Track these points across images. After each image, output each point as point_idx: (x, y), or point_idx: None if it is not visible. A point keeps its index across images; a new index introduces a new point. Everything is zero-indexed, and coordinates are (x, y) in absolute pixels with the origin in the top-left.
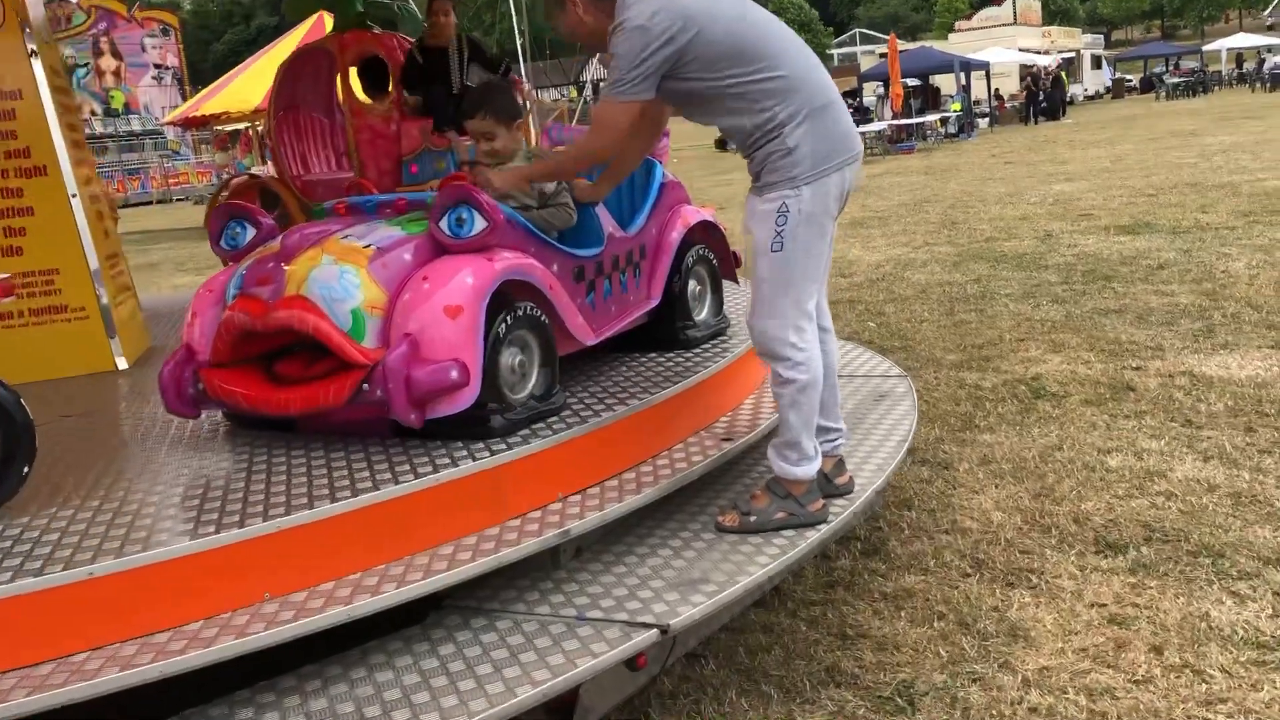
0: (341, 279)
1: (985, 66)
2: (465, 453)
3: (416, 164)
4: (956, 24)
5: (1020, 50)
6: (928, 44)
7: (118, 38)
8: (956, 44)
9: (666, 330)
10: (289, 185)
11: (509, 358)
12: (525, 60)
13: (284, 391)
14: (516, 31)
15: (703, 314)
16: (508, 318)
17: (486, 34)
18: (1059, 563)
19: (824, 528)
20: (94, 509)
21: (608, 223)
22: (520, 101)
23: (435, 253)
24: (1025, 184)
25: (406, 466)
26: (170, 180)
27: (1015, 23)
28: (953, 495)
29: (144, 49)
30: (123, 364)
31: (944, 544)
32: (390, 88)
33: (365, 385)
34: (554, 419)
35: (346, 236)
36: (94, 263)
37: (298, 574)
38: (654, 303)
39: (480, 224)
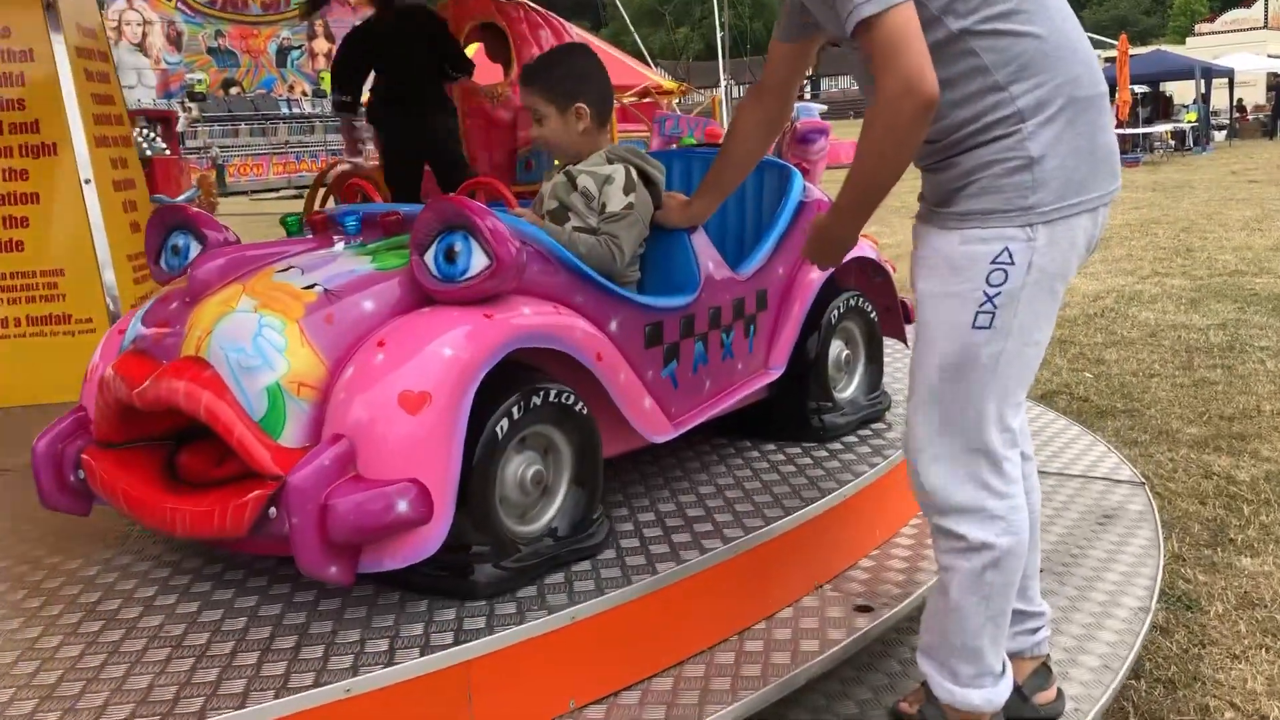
0: (258, 338)
1: (1229, 73)
2: (419, 633)
3: (534, 159)
4: (1196, 26)
5: (1270, 57)
6: (1162, 48)
7: (331, 21)
8: (1195, 48)
9: (792, 412)
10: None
11: (517, 470)
12: (724, 56)
13: (172, 499)
14: (717, 25)
15: (849, 389)
16: (518, 408)
17: (694, 28)
18: None
19: None
20: None
21: (707, 258)
22: (594, 77)
23: (413, 302)
24: (1276, 206)
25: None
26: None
27: (1266, 26)
28: (1200, 658)
29: None
30: None
31: None
32: (511, 65)
33: (274, 509)
34: (583, 563)
35: (287, 269)
36: (107, 265)
37: None
38: (775, 373)
39: (479, 261)
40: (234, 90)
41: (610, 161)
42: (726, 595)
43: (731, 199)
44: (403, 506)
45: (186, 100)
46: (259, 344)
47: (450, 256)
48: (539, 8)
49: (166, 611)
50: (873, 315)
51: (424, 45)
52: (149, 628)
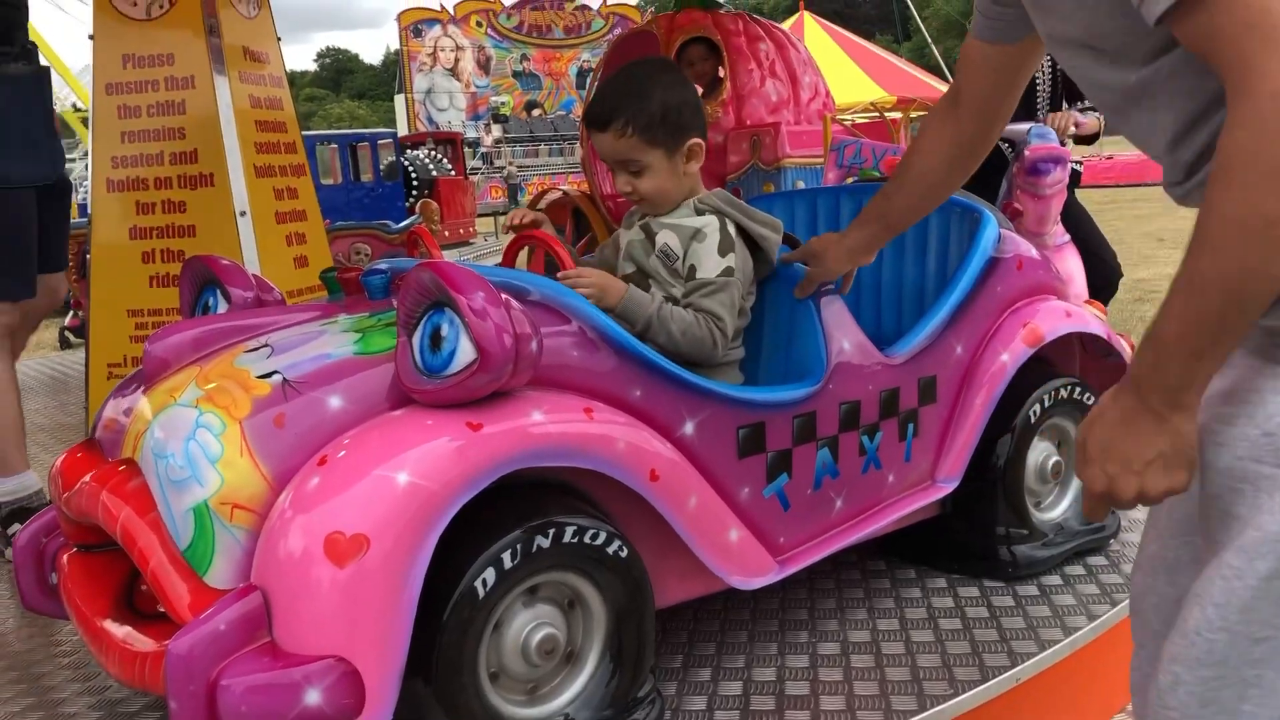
0: (190, 441)
1: None
2: None
3: (741, 185)
4: None
5: None
6: None
7: None
8: None
9: (972, 537)
10: (598, 205)
11: (518, 637)
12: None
13: (109, 629)
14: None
15: (1058, 510)
16: (513, 552)
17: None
18: None
19: None
20: None
21: (842, 334)
22: (694, 97)
23: (396, 400)
24: None
25: None
26: None
27: None
28: None
29: None
30: None
31: None
32: (723, 82)
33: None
34: None
35: (257, 349)
36: None
37: None
38: (945, 489)
39: (465, 352)
40: (535, 112)
41: (700, 213)
42: None
43: (900, 250)
44: (313, 696)
45: (491, 122)
46: (190, 450)
47: (436, 342)
48: (761, 18)
49: None
50: None
51: None
52: None
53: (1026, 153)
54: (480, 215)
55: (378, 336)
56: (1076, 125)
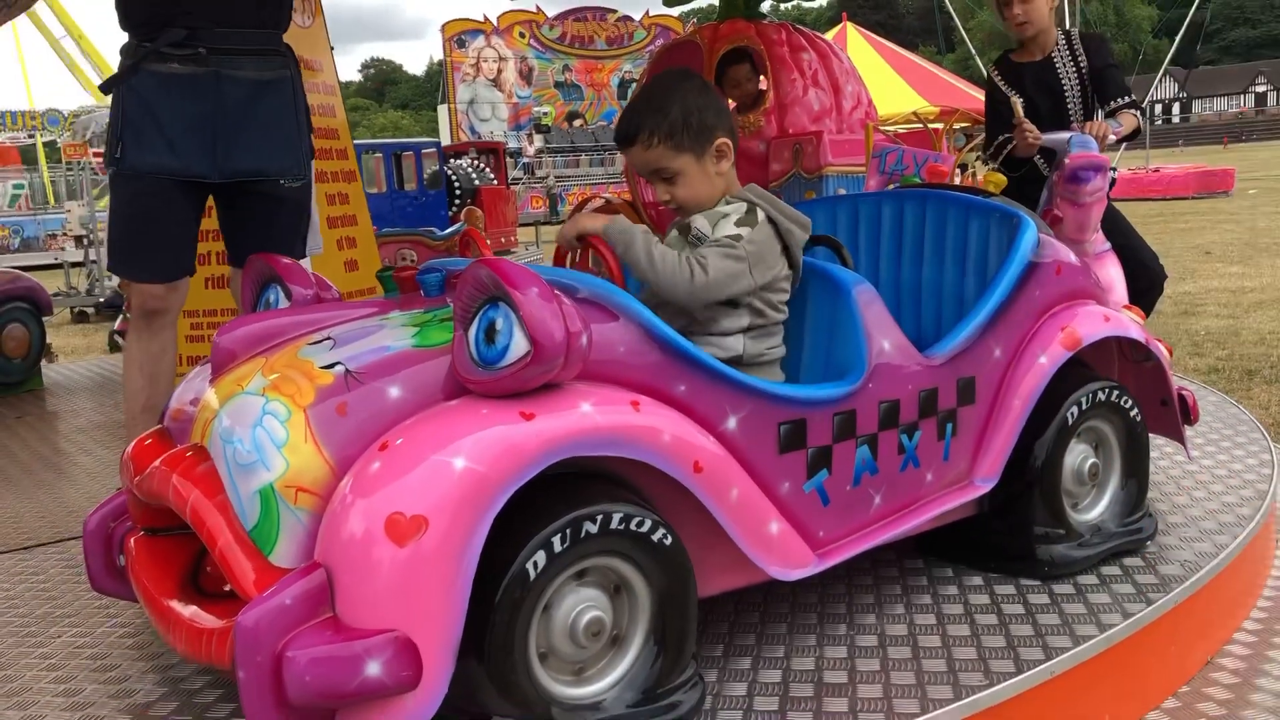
0: (258, 428)
1: None
2: None
3: (783, 193)
4: None
5: None
6: None
7: None
8: None
9: (1008, 536)
10: (640, 213)
11: (566, 618)
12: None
13: (177, 607)
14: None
15: (1095, 511)
16: (562, 537)
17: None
18: None
19: None
20: None
21: (882, 334)
22: (716, 98)
23: (452, 390)
24: None
25: None
26: None
27: None
28: None
29: None
30: None
31: None
32: (765, 92)
33: None
34: None
35: (319, 341)
36: None
37: None
38: (984, 488)
39: (519, 344)
40: (577, 122)
41: (729, 202)
42: None
43: (940, 254)
44: (374, 668)
45: (533, 132)
46: (257, 436)
47: (491, 336)
48: (804, 29)
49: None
50: (1134, 413)
51: None
52: None
53: (1067, 160)
54: (521, 225)
55: (434, 331)
56: (1114, 133)
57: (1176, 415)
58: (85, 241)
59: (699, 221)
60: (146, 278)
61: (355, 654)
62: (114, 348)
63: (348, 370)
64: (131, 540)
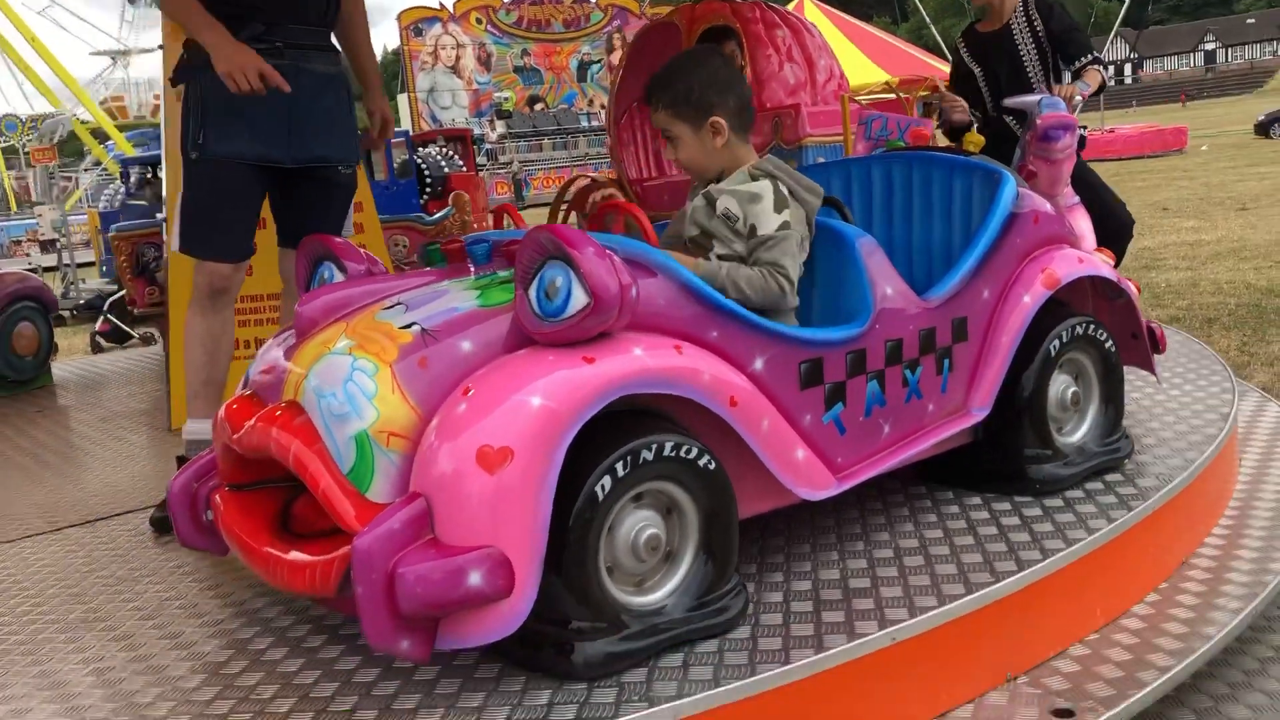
0: (349, 382)
1: None
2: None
3: None
4: None
5: None
6: None
7: (629, 34)
8: None
9: (1002, 459)
10: (626, 190)
11: (629, 533)
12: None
13: (275, 549)
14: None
15: (1078, 434)
16: (624, 463)
17: None
18: None
19: None
20: None
21: (884, 281)
22: (728, 84)
23: (516, 343)
24: None
25: None
26: None
27: None
28: None
29: None
30: None
31: None
32: (743, 69)
33: None
34: (709, 643)
35: (393, 306)
36: None
37: None
38: (978, 416)
39: (579, 298)
40: (538, 106)
41: (755, 178)
42: (874, 696)
43: (928, 210)
44: (475, 579)
45: (494, 118)
46: (348, 390)
47: (550, 292)
48: (776, 6)
49: (267, 668)
50: (1109, 345)
51: None
52: (244, 686)
53: (1038, 121)
54: (490, 211)
55: (495, 292)
56: (1081, 94)
57: (1147, 346)
58: (57, 245)
59: (727, 201)
60: (218, 257)
61: (458, 567)
62: (95, 348)
63: (424, 329)
64: (217, 497)
